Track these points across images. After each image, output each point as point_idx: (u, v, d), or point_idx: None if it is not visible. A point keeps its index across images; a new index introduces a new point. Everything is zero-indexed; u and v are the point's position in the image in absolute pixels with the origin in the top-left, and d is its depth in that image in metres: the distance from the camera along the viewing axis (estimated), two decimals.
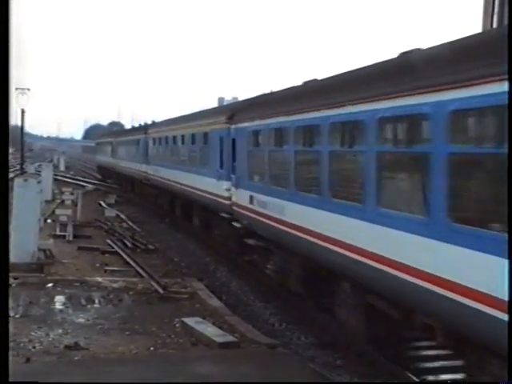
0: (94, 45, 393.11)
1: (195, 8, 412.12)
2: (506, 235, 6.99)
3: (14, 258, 16.39)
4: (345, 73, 13.06)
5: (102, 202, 37.43)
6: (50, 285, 15.65)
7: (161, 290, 15.41)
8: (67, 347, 11.04)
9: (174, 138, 29.13)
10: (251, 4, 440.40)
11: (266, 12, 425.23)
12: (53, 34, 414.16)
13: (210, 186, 21.79)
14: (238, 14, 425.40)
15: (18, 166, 47.37)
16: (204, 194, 22.76)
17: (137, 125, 58.55)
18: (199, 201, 24.16)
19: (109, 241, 23.12)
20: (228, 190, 19.62)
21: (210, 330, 11.83)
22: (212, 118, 22.83)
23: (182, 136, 27.36)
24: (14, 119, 46.96)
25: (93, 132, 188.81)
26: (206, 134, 23.02)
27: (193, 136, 25.27)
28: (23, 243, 16.80)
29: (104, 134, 72.80)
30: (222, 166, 20.52)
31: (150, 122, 45.71)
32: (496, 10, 29.67)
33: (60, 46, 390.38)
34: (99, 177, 62.83)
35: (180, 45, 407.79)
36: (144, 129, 39.64)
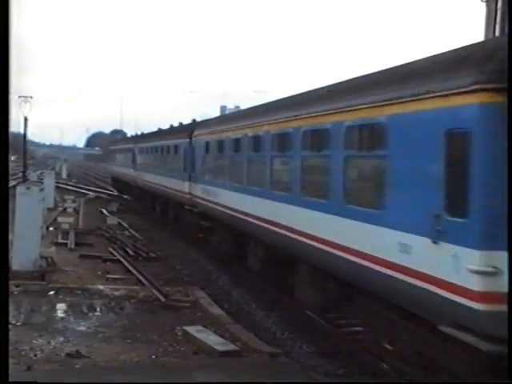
0: (96, 53, 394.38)
1: (197, 18, 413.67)
2: None
3: (15, 265, 16.42)
4: None
5: (103, 210, 37.44)
6: (51, 292, 15.63)
7: (162, 298, 15.40)
8: (68, 355, 11.00)
9: (258, 139, 16.62)
10: (250, 13, 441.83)
11: (265, 21, 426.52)
12: (55, 43, 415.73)
13: (390, 249, 9.63)
14: (239, 23, 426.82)
15: (21, 174, 47.45)
16: (371, 266, 10.16)
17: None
18: (336, 268, 11.87)
19: (110, 249, 23.10)
20: (489, 273, 7.77)
21: (211, 339, 11.80)
22: (396, 87, 9.96)
23: (281, 136, 14.92)
24: (17, 127, 47.00)
25: (95, 140, 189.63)
26: (371, 127, 10.56)
27: (319, 134, 12.57)
28: (25, 251, 16.79)
29: (120, 139, 61.96)
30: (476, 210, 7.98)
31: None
32: (498, 19, 29.75)
33: (62, 55, 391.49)
34: (115, 191, 53.11)
35: (181, 54, 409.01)
36: (187, 129, 27.77)
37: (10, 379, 6.22)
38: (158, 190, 33.18)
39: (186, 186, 26.11)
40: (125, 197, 46.95)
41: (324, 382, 10.79)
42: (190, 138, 26.01)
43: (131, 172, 42.59)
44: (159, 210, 34.66)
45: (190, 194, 25.46)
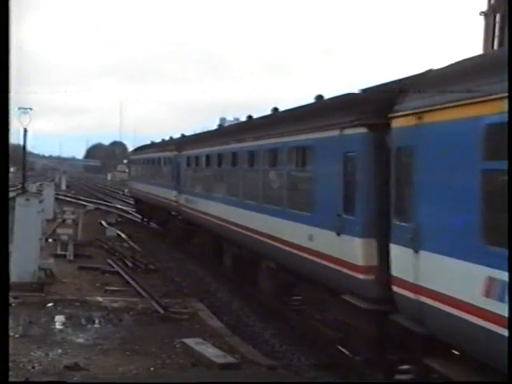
0: (94, 65, 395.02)
1: (195, 31, 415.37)
2: None
3: (14, 277, 16.38)
4: None
5: (102, 222, 37.43)
6: (50, 304, 15.62)
7: (161, 311, 15.38)
8: (67, 367, 10.98)
9: None
10: (250, 26, 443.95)
11: (264, 33, 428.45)
12: (55, 54, 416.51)
13: None
14: (238, 35, 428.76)
15: (20, 185, 47.45)
16: None
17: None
18: None
19: (109, 260, 23.09)
20: None
21: (210, 351, 11.79)
22: None
23: None
24: (16, 138, 46.95)
25: (94, 151, 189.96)
26: None
27: None
28: (24, 262, 16.79)
29: (148, 145, 40.99)
30: None
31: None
32: (497, 32, 29.97)
33: (62, 66, 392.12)
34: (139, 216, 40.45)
35: (181, 64, 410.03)
36: (353, 106, 11.43)
37: None
38: (237, 235, 18.09)
39: (364, 252, 10.60)
40: (152, 225, 36.27)
41: (324, 382, 10.78)
42: (376, 130, 10.42)
43: (172, 195, 28.00)
44: (230, 263, 19.99)
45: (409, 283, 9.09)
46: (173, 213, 28.63)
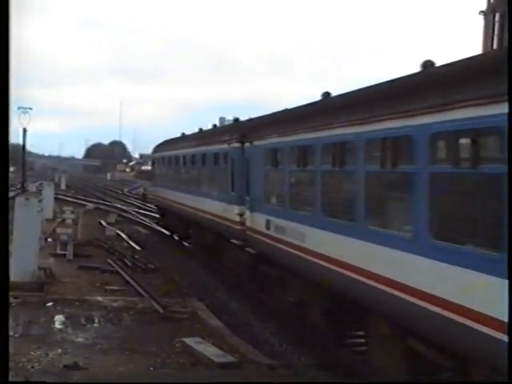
0: (94, 65, 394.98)
1: (196, 30, 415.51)
2: None
3: (14, 276, 16.39)
4: None
5: (102, 221, 37.43)
6: (49, 304, 15.63)
7: (161, 310, 15.39)
8: (66, 367, 10.99)
9: None
10: (252, 26, 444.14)
11: (264, 34, 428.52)
12: (54, 54, 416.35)
13: None
14: (239, 34, 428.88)
15: (19, 185, 47.45)
16: None
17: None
18: None
19: (109, 260, 23.10)
20: None
21: (209, 350, 11.81)
22: None
23: None
24: (16, 138, 46.92)
25: (94, 151, 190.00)
26: None
27: None
28: (23, 262, 16.80)
29: (185, 137, 29.35)
30: None
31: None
32: (496, 31, 29.99)
33: (62, 66, 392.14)
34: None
35: (181, 64, 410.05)
36: None
37: None
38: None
39: None
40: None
41: (324, 382, 10.80)
42: None
43: (233, 212, 18.44)
44: (399, 365, 9.73)
45: None
46: (233, 240, 18.80)
